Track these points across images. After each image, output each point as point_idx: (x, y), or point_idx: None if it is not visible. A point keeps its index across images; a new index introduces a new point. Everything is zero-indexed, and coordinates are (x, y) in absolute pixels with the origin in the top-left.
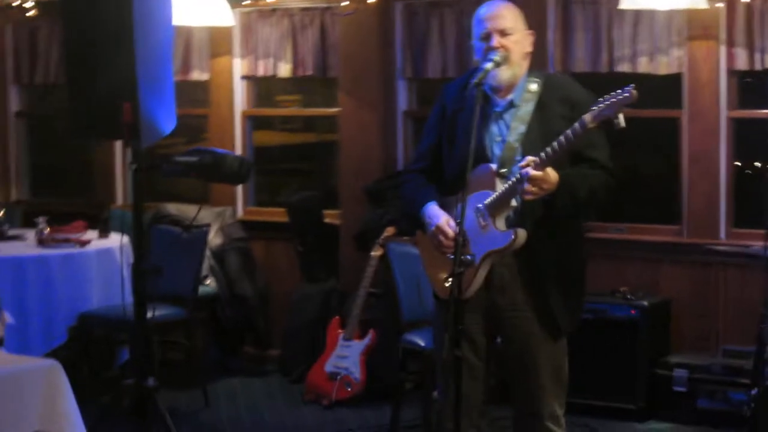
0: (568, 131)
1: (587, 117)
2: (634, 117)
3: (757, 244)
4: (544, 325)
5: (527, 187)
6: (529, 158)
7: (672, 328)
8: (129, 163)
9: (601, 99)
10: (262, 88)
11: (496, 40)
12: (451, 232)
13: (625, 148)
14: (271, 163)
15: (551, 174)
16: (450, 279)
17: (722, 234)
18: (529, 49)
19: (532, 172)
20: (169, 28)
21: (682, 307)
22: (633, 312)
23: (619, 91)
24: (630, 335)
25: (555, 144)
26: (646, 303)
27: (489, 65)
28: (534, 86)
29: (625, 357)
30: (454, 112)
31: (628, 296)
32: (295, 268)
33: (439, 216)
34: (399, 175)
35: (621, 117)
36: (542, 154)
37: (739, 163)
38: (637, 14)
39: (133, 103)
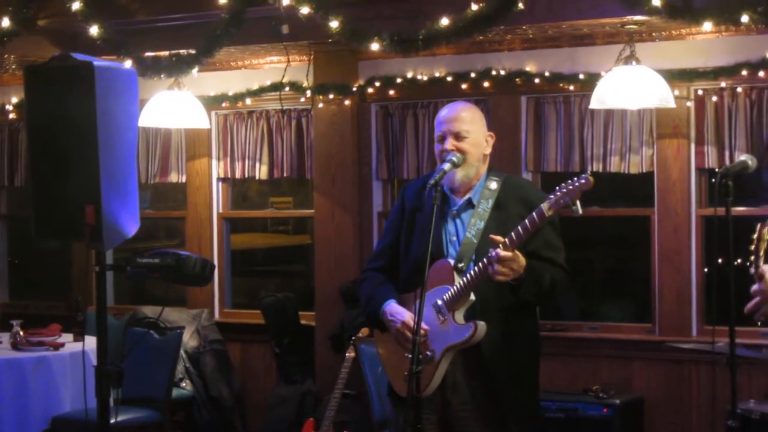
0: (528, 219)
1: (544, 205)
2: (605, 216)
3: (726, 341)
4: (493, 427)
5: (497, 267)
6: (498, 237)
7: (645, 426)
8: (92, 265)
9: (558, 187)
10: (252, 189)
11: (449, 143)
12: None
13: (597, 247)
14: (251, 265)
15: (520, 256)
16: (410, 375)
17: (694, 331)
18: (487, 150)
19: (502, 253)
20: (134, 130)
21: (655, 404)
22: (605, 410)
23: (576, 178)
24: None
25: (519, 228)
26: (618, 401)
27: (447, 166)
28: (493, 185)
29: None
30: (412, 211)
31: (601, 394)
32: (271, 370)
33: (402, 313)
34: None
35: (578, 204)
36: (511, 235)
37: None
38: (608, 114)
39: (96, 205)
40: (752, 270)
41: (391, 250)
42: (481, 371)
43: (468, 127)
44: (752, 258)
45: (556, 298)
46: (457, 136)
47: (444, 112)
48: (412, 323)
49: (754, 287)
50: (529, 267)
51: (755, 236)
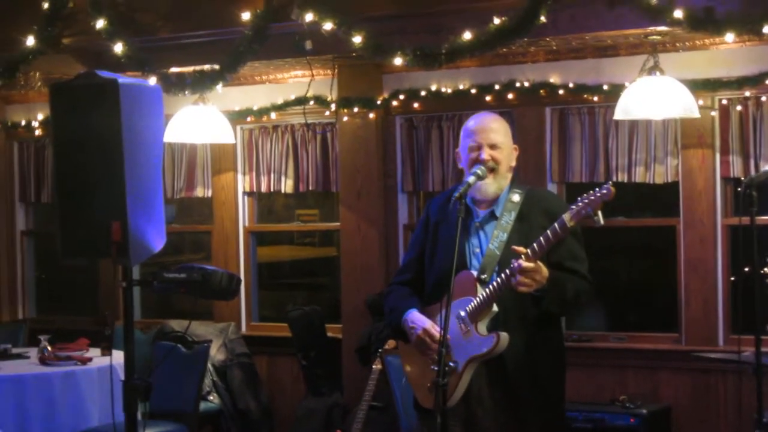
0: (550, 230)
1: (566, 216)
2: (631, 226)
3: (752, 350)
4: None
5: (520, 278)
6: (520, 248)
7: None
8: (118, 281)
9: (579, 198)
10: (278, 203)
11: (486, 153)
12: (437, 335)
13: (623, 257)
14: (277, 277)
15: (543, 267)
16: (437, 386)
17: (720, 341)
18: (514, 162)
19: (524, 263)
20: (160, 146)
21: (682, 414)
22: (632, 420)
23: (597, 189)
24: None
25: (541, 239)
26: (645, 411)
27: (472, 179)
28: (516, 197)
29: None
30: (435, 224)
31: (628, 405)
32: (298, 383)
33: (423, 320)
34: None
35: (600, 215)
36: (533, 246)
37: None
38: (633, 124)
39: (123, 222)
40: None
41: (417, 264)
42: (504, 382)
43: (501, 138)
44: None
45: (579, 308)
46: (493, 147)
47: (473, 123)
48: (432, 330)
49: None
50: (552, 278)
51: None
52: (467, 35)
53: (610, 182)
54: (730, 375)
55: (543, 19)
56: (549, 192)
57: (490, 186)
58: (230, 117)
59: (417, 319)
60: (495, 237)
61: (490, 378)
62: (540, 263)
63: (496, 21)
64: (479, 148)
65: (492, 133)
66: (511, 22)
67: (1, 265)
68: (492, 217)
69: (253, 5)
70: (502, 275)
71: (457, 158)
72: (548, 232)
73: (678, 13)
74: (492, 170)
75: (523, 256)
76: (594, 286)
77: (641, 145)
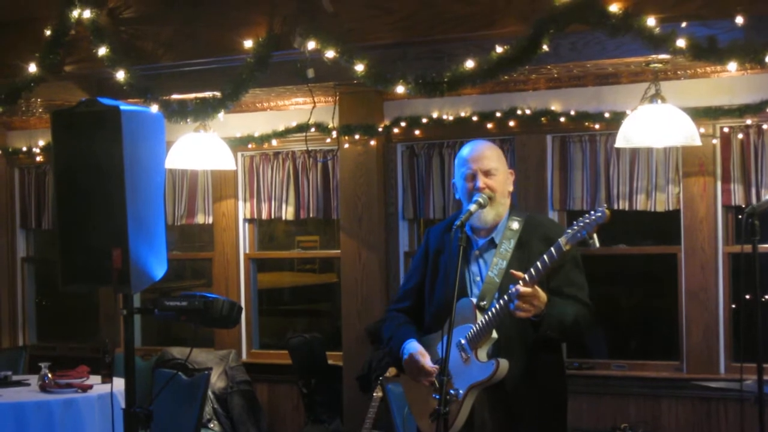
0: (546, 254)
1: (562, 240)
2: (632, 254)
3: (754, 378)
4: None
5: (518, 303)
6: (518, 273)
7: None
8: (119, 309)
9: (575, 221)
10: (278, 229)
11: (481, 181)
12: (424, 361)
13: (624, 285)
14: (278, 304)
15: (541, 292)
16: (436, 415)
17: (721, 369)
18: (510, 188)
19: (522, 288)
20: (162, 173)
21: None
22: None
23: (592, 212)
24: None
25: (538, 264)
26: None
27: (473, 207)
28: (515, 225)
29: None
30: (435, 253)
31: None
32: (298, 410)
33: (414, 347)
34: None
35: (595, 238)
36: (531, 271)
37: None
38: (634, 152)
39: (123, 249)
40: None
41: (416, 292)
42: (505, 408)
43: (496, 165)
44: None
45: (579, 334)
46: (488, 174)
47: (468, 151)
48: (417, 356)
49: None
50: (550, 303)
51: None
52: (469, 63)
53: (605, 205)
54: (731, 403)
55: (546, 47)
56: (548, 218)
57: (488, 213)
58: (231, 144)
59: (411, 348)
60: (494, 265)
61: (491, 404)
62: (538, 288)
63: (499, 49)
64: (474, 176)
65: (486, 159)
66: (513, 50)
67: (1, 291)
68: (491, 244)
69: (255, 33)
70: (501, 301)
71: (453, 189)
72: (545, 256)
73: (681, 42)
74: (490, 198)
75: (521, 281)
76: (594, 312)
77: (642, 172)
